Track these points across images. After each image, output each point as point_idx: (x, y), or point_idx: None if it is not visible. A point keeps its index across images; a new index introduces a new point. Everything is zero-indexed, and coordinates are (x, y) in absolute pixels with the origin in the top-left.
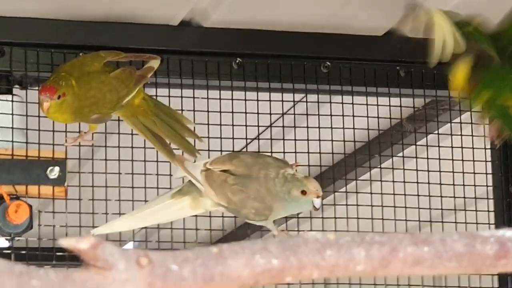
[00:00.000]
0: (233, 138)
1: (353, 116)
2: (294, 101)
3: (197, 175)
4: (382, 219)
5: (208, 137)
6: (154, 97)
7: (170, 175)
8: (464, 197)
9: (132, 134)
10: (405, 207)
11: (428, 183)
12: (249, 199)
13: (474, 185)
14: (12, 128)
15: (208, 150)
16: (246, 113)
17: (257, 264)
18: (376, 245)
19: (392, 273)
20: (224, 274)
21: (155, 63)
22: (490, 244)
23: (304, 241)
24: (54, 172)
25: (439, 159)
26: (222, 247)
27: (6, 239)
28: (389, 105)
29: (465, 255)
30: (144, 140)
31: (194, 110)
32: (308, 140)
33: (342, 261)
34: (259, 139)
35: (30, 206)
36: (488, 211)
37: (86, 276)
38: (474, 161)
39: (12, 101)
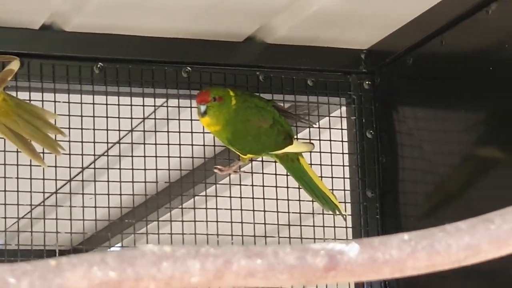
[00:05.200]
0: (94, 142)
1: None
2: (155, 105)
3: None
4: (241, 222)
5: (69, 141)
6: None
7: (44, 179)
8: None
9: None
10: (264, 210)
11: (287, 187)
12: None
13: (332, 189)
14: None
15: (69, 154)
16: (107, 117)
17: (95, 276)
18: (211, 257)
19: (227, 284)
20: (62, 286)
21: (15, 65)
22: (320, 257)
23: (141, 254)
24: None
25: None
26: (61, 260)
27: None
28: None
29: (296, 268)
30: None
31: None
32: (168, 144)
33: (178, 273)
34: (120, 143)
35: None
36: (346, 215)
37: None
38: (332, 165)
39: None
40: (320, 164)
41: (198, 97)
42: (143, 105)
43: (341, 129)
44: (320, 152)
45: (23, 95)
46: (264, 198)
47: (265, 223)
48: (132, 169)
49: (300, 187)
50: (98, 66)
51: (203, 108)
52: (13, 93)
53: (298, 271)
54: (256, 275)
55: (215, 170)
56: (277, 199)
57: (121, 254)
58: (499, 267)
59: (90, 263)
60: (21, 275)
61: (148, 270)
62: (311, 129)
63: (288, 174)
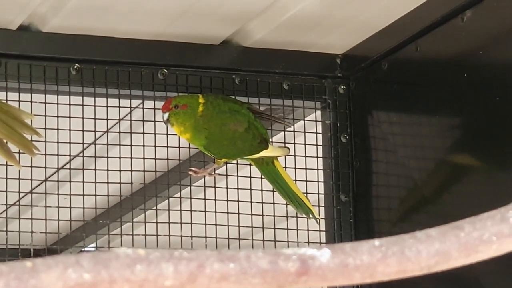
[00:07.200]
0: (70, 143)
1: None
2: (131, 107)
3: None
4: (216, 224)
5: (45, 141)
6: None
7: (19, 178)
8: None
9: None
10: (238, 213)
11: (261, 190)
12: None
13: (306, 193)
14: None
15: (45, 154)
16: (83, 118)
17: (69, 278)
18: (184, 260)
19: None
20: (37, 287)
21: None
22: (292, 262)
23: (116, 256)
24: None
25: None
26: (36, 261)
27: None
28: None
29: (269, 272)
30: None
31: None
32: (144, 146)
33: (152, 276)
34: (95, 144)
35: None
36: (319, 218)
37: None
38: (306, 169)
39: None
40: (295, 168)
41: (163, 105)
42: (119, 106)
43: (316, 133)
44: (294, 155)
45: None
46: (238, 201)
47: (239, 226)
48: (107, 170)
49: (275, 190)
50: (75, 67)
51: (165, 116)
52: None
53: (270, 275)
54: (229, 279)
55: (190, 172)
56: (251, 202)
57: (96, 256)
58: (470, 273)
59: (65, 264)
60: None
61: (122, 272)
62: (286, 132)
63: (263, 177)
